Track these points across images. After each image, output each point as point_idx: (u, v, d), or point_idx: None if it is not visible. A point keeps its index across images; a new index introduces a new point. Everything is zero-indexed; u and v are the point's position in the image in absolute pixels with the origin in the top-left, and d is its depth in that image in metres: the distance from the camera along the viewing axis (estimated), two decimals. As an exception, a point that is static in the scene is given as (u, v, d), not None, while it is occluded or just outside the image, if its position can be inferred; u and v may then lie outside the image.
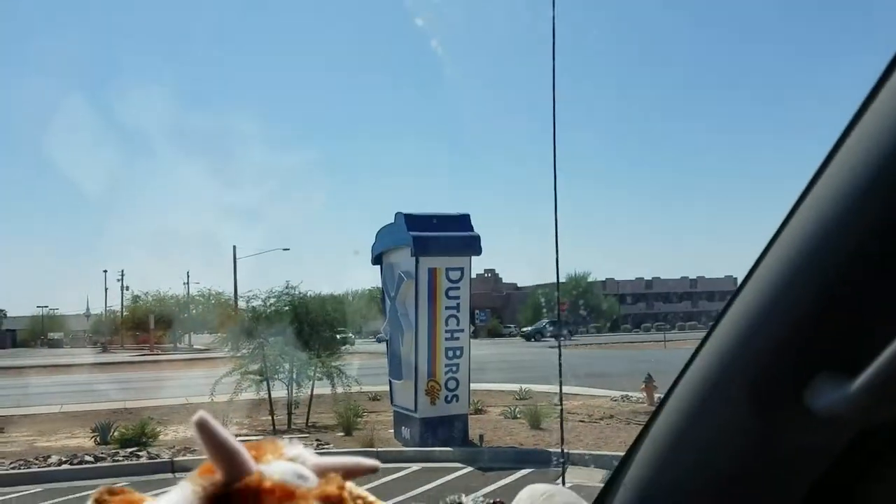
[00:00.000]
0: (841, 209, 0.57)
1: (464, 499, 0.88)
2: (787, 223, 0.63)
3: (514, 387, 15.82)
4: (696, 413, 0.75)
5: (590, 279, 73.18)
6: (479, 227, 10.84)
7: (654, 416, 0.84)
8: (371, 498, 0.73)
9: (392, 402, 11.59)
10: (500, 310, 72.21)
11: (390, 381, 11.61)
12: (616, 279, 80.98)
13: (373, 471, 0.73)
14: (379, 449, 9.90)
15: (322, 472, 0.65)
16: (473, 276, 11.45)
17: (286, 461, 0.64)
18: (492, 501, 0.88)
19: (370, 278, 12.12)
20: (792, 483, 0.71)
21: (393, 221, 11.20)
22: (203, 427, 0.58)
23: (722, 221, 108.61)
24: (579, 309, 66.56)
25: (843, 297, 0.58)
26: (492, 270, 77.05)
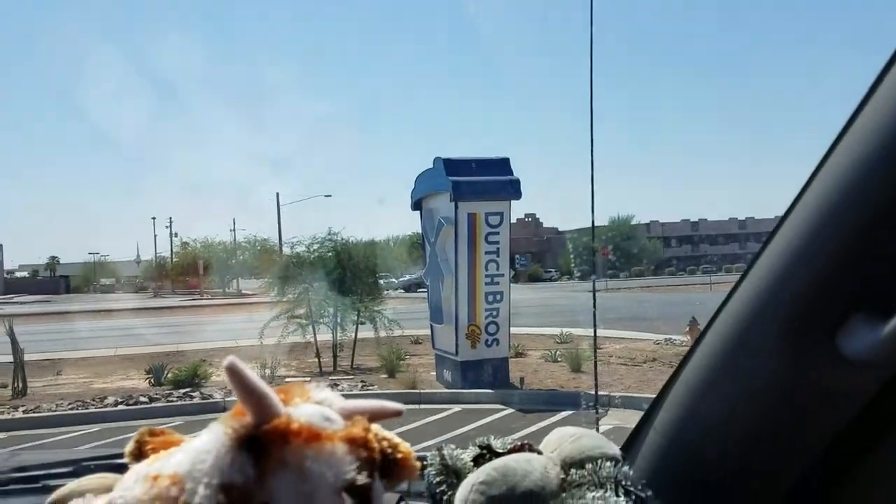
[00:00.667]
0: (875, 154, 0.54)
1: (492, 440, 0.89)
2: (822, 166, 0.61)
3: (555, 330, 15.85)
4: (729, 356, 0.74)
5: (633, 222, 72.18)
6: (519, 171, 10.72)
7: (686, 358, 0.82)
8: (396, 440, 0.74)
9: (433, 345, 11.74)
10: (541, 254, 72.00)
11: (431, 325, 11.74)
12: (661, 221, 79.73)
13: (397, 414, 0.74)
14: (421, 391, 10.09)
15: (348, 415, 0.68)
16: (513, 220, 11.38)
17: (314, 404, 0.68)
18: (519, 443, 0.88)
19: (412, 224, 12.21)
20: (821, 427, 0.70)
21: (432, 166, 11.14)
22: (233, 371, 0.62)
23: (772, 160, 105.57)
24: (629, 251, 65.93)
25: (879, 241, 0.56)
26: (532, 215, 76.54)
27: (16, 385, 11.00)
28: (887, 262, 0.56)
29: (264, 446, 0.61)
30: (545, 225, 79.50)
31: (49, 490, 0.80)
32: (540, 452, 0.87)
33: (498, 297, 10.54)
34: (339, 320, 12.99)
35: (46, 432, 8.37)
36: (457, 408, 9.23)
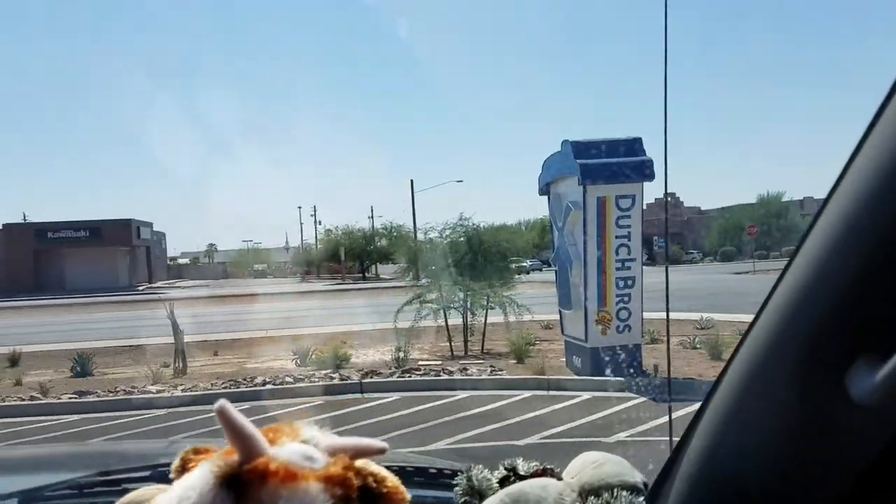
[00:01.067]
0: (884, 186, 0.51)
1: (519, 462, 0.90)
2: (833, 195, 0.58)
3: (695, 316, 15.18)
4: (750, 388, 0.72)
5: (784, 199, 67.61)
6: (656, 149, 10.29)
7: (716, 383, 0.80)
8: (383, 473, 0.77)
9: (562, 331, 11.61)
10: (681, 235, 69.05)
11: (560, 311, 11.61)
12: (815, 198, 73.95)
13: (380, 452, 0.77)
14: (550, 377, 10.03)
15: (334, 452, 0.73)
16: (651, 200, 11.07)
17: (300, 443, 0.73)
18: (541, 468, 0.89)
19: (543, 207, 12.12)
20: (843, 466, 0.67)
21: (560, 150, 10.97)
22: (222, 413, 0.67)
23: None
24: (780, 230, 62.01)
25: (885, 281, 0.53)
26: (672, 194, 73.39)
27: (177, 364, 12.07)
28: (890, 303, 0.53)
29: (245, 485, 0.65)
30: (686, 204, 76.00)
31: (126, 493, 0.87)
32: (561, 478, 0.87)
33: (629, 282, 10.24)
34: (468, 305, 13.16)
35: (202, 409, 9.09)
36: (586, 395, 9.10)
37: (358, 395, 9.93)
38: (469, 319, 13.20)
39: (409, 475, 1.32)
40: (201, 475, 0.67)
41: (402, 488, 0.78)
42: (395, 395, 9.72)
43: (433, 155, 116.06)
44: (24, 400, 10.18)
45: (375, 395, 9.87)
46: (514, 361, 11.62)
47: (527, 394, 9.39)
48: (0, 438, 8.22)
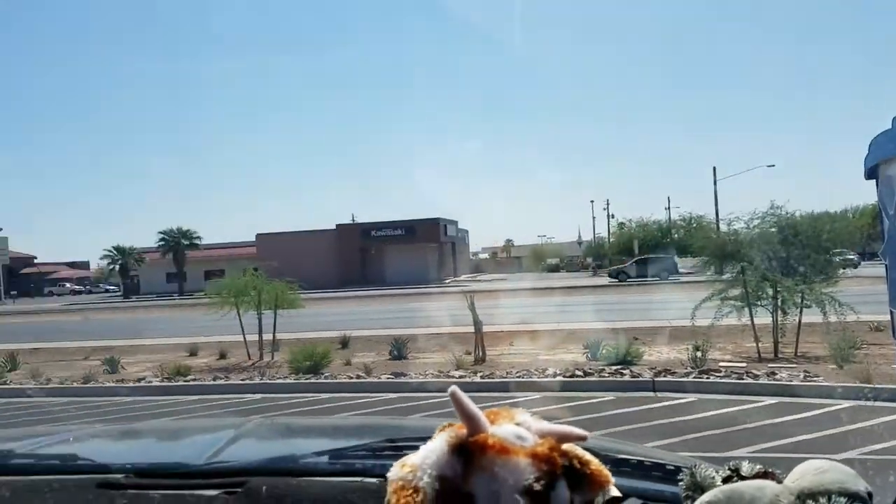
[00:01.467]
0: None
1: (743, 464, 0.93)
2: None
3: None
4: None
5: None
6: None
7: None
8: (587, 457, 0.89)
9: (894, 335, 9.97)
10: None
11: (891, 311, 9.98)
12: None
13: (582, 438, 0.90)
14: (878, 385, 8.71)
15: (543, 435, 0.87)
16: None
17: (514, 425, 0.88)
18: (764, 470, 0.92)
19: (872, 193, 10.43)
20: None
21: (890, 126, 9.44)
22: (455, 397, 0.86)
23: None
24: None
25: None
26: None
27: (477, 353, 12.88)
28: None
29: (470, 453, 0.83)
30: None
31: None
32: (781, 482, 0.89)
33: None
34: (779, 303, 11.97)
35: (498, 395, 9.58)
36: (925, 410, 7.73)
37: (650, 394, 9.63)
38: (779, 319, 12.01)
39: (644, 468, 1.41)
40: (440, 442, 0.85)
41: (606, 471, 0.89)
42: (691, 397, 9.24)
43: (739, 139, 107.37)
44: (351, 378, 11.73)
45: (668, 394, 9.49)
46: (834, 367, 10.31)
47: (848, 403, 8.27)
48: (334, 410, 9.59)
